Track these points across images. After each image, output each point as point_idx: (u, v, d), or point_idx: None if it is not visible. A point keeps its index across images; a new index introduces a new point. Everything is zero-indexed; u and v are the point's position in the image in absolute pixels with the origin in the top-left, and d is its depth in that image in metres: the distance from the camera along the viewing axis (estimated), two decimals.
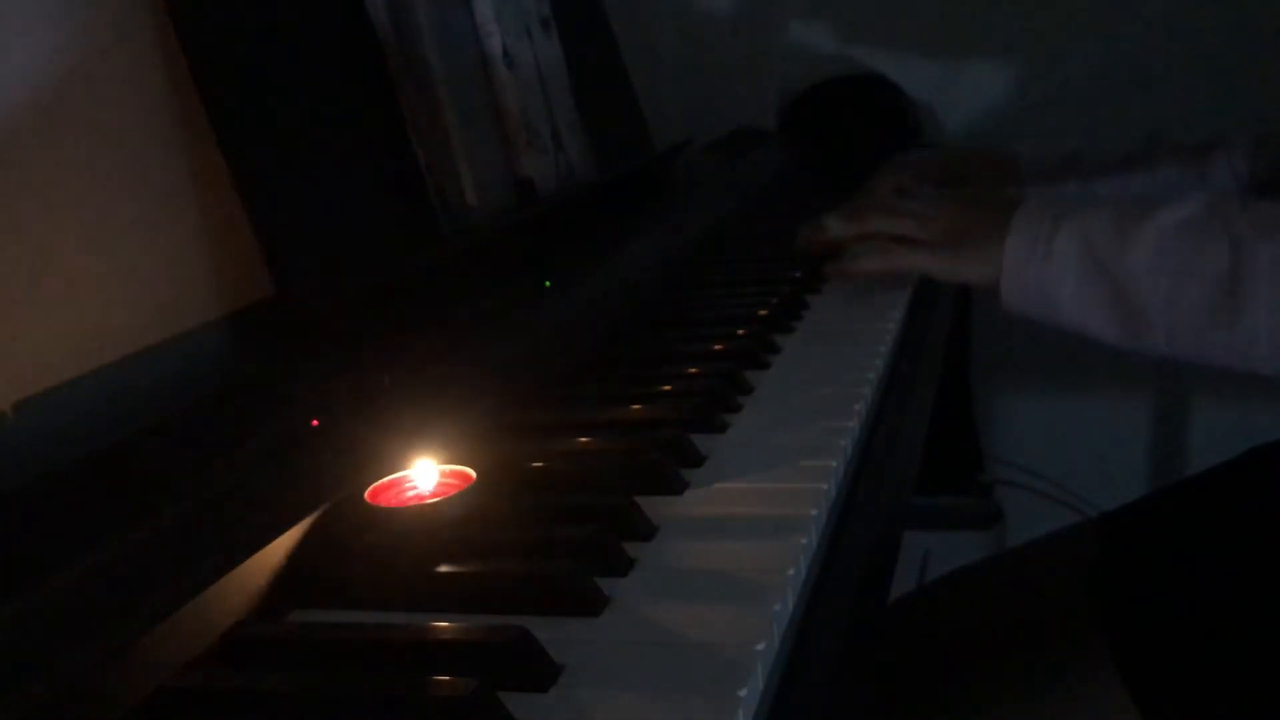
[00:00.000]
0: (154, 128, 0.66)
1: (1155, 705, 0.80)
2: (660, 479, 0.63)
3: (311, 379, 0.63)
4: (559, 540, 0.56)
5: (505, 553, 0.55)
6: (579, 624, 0.50)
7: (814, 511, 0.58)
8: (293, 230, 0.69)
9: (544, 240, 0.93)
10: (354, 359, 0.65)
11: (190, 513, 0.49)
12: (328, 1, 0.79)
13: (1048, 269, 0.84)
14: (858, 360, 0.83)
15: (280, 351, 0.67)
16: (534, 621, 0.48)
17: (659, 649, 0.47)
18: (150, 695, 0.45)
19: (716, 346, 0.87)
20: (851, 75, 1.66)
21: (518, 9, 1.00)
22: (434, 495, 0.59)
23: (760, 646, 0.46)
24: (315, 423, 0.58)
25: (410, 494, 0.59)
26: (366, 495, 0.58)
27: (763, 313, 0.94)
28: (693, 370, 0.81)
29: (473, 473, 0.60)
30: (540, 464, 0.66)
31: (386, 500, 0.59)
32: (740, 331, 0.89)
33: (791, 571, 0.52)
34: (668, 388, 0.78)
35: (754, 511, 0.59)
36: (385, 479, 0.60)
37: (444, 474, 0.60)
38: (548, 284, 0.85)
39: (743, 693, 0.43)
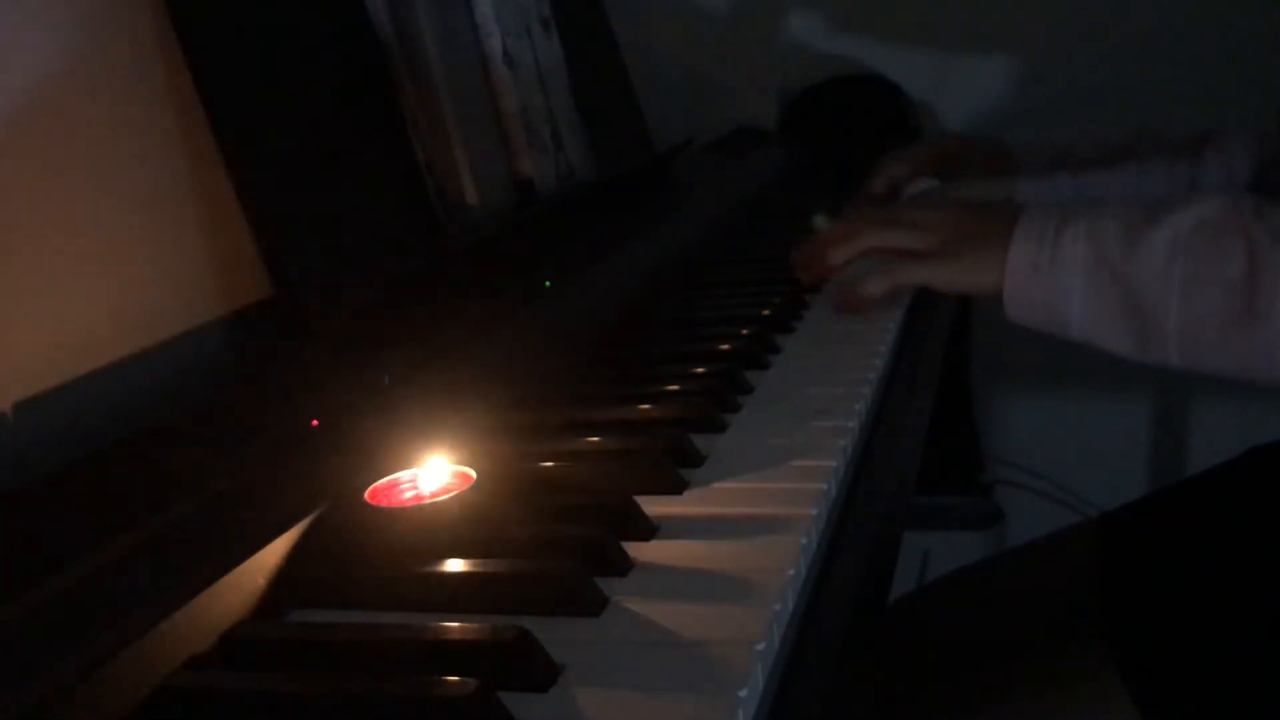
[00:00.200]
0: (153, 128, 0.66)
1: (1155, 705, 0.80)
2: (660, 479, 0.63)
3: (311, 379, 0.63)
4: (559, 540, 0.56)
5: (505, 553, 0.55)
6: (579, 624, 0.50)
7: (814, 511, 0.58)
8: (292, 230, 0.69)
9: (544, 240, 0.93)
10: (353, 359, 0.65)
11: (190, 513, 0.49)
12: (328, 1, 0.79)
13: (1054, 277, 0.81)
14: (858, 360, 0.83)
15: (279, 351, 0.67)
16: (534, 621, 0.48)
17: (659, 649, 0.47)
18: (150, 695, 0.45)
19: (717, 346, 0.87)
20: (851, 75, 1.66)
21: (518, 8, 1.00)
22: (434, 495, 0.59)
23: (760, 646, 0.46)
24: (315, 423, 0.58)
25: (410, 494, 0.59)
26: (366, 495, 0.58)
27: (764, 313, 0.93)
28: (693, 370, 0.81)
29: (472, 473, 0.60)
30: (540, 464, 0.66)
31: (386, 500, 0.59)
32: (742, 331, 0.89)
33: (791, 571, 0.52)
34: (668, 388, 0.78)
35: (754, 511, 0.59)
36: (385, 479, 0.60)
37: (444, 474, 0.60)
38: (548, 284, 0.85)
39: (743, 693, 0.43)
